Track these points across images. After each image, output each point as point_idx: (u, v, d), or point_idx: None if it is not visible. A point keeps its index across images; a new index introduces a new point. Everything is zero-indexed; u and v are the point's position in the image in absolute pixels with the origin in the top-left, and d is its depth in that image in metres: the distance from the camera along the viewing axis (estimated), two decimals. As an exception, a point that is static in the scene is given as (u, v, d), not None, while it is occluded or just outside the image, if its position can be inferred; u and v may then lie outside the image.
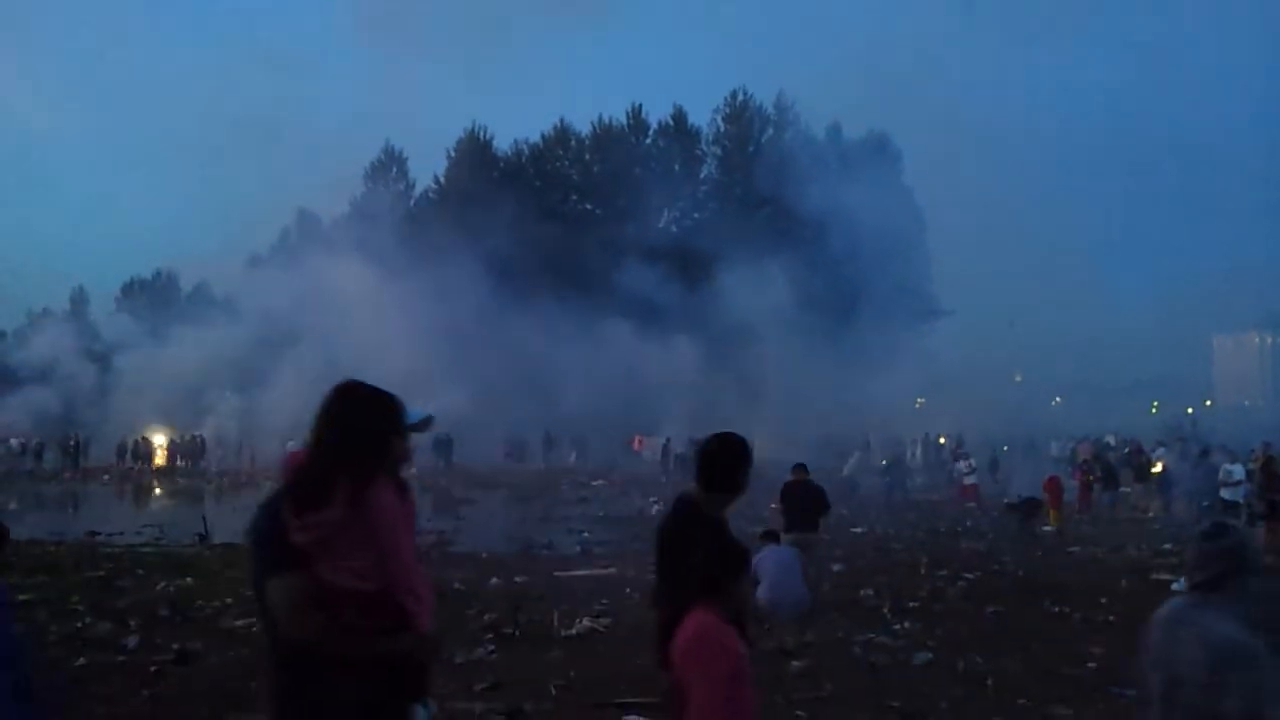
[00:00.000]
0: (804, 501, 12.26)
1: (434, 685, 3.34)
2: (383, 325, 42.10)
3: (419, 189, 64.36)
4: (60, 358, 51.31)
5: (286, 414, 43.91)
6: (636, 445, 44.88)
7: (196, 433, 45.72)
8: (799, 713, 7.52)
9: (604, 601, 12.02)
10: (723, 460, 4.17)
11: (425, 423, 3.49)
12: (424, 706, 3.22)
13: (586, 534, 19.91)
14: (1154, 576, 14.10)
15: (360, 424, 3.18)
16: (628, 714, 7.32)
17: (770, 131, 61.32)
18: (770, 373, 44.44)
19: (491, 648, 9.57)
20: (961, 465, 28.66)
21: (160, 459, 45.91)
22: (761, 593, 9.56)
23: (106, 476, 39.18)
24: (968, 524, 22.10)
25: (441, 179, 62.90)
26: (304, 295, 44.00)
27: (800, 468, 12.88)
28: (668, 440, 40.55)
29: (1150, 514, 24.09)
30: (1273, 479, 17.42)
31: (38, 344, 53.54)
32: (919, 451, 41.36)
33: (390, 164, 64.27)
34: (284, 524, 3.03)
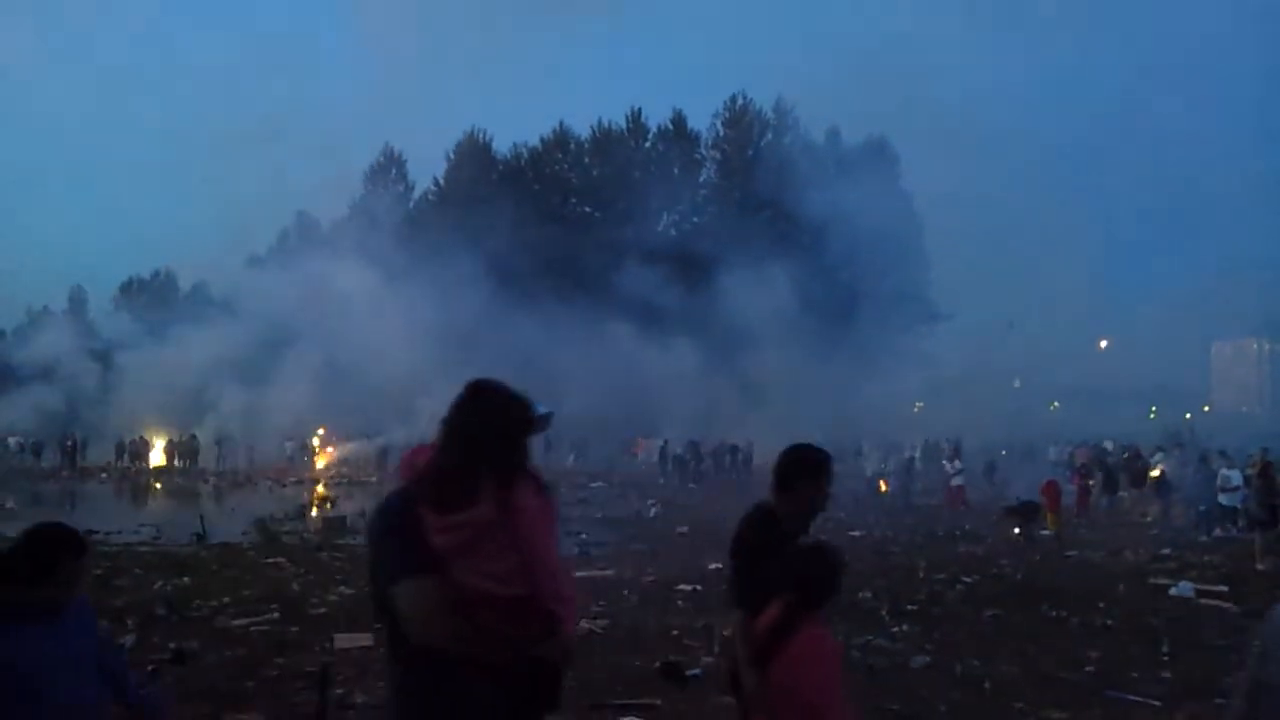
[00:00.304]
0: None
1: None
2: (382, 327, 42.14)
3: (418, 191, 64.51)
4: (62, 356, 51.31)
5: (286, 414, 44.04)
6: (638, 448, 44.86)
7: (194, 433, 45.68)
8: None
9: (601, 603, 12.02)
10: (799, 470, 4.25)
11: (546, 419, 3.37)
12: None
13: (585, 535, 19.88)
14: (1152, 581, 14.11)
15: (500, 422, 3.08)
16: (624, 715, 7.32)
17: (769, 136, 61.37)
18: (769, 376, 44.46)
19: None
20: (949, 468, 28.59)
21: (158, 459, 45.90)
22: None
23: (104, 475, 39.16)
24: (966, 527, 22.10)
25: (441, 181, 62.94)
26: (304, 296, 44.06)
27: None
28: (665, 443, 40.56)
29: (1148, 519, 24.08)
30: (1270, 485, 17.40)
31: (39, 343, 53.53)
32: (918, 455, 41.31)
33: (389, 166, 64.33)
34: (415, 524, 2.92)
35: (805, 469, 4.24)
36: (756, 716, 3.77)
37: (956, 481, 27.62)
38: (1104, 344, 74.43)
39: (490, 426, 3.05)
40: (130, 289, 71.44)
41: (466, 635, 2.88)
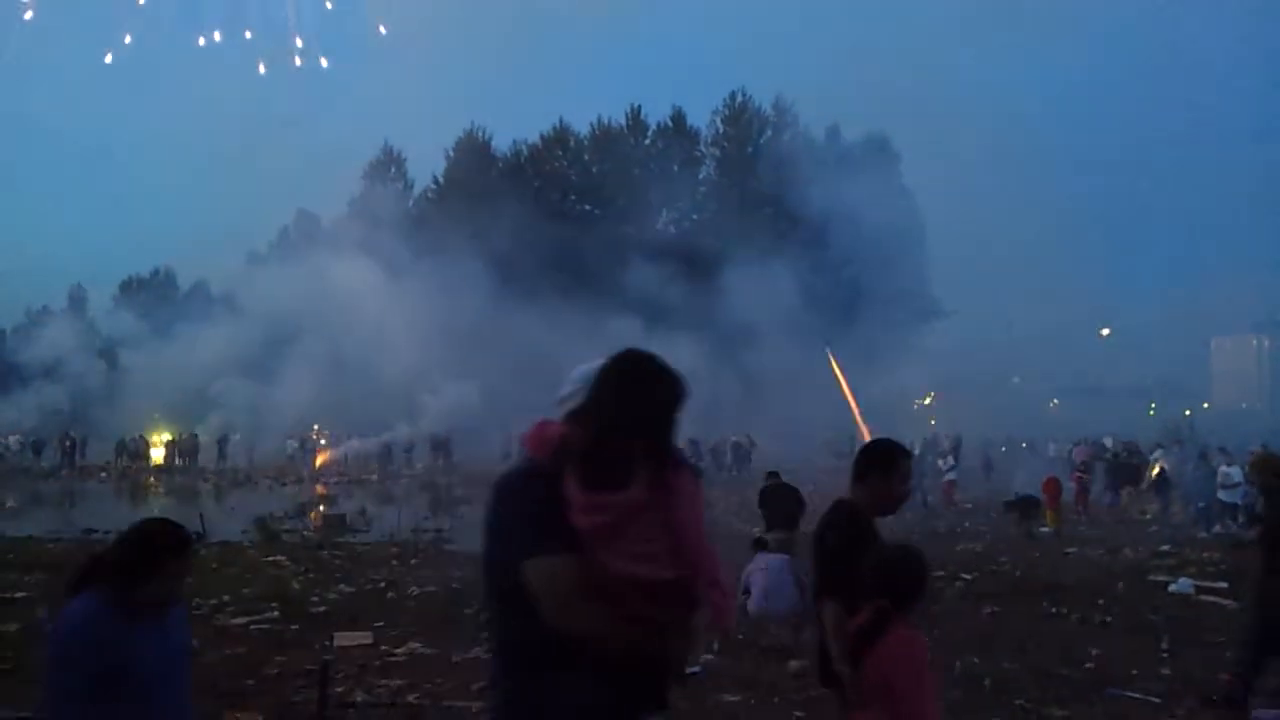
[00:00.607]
0: (781, 503, 12.69)
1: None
2: (383, 324, 42.17)
3: (418, 189, 64.48)
4: (64, 355, 51.30)
5: (289, 412, 44.07)
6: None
7: (195, 431, 45.71)
8: (797, 713, 7.53)
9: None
10: (870, 464, 4.32)
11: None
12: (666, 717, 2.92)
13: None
14: (1151, 578, 14.12)
15: (657, 398, 2.87)
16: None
17: (769, 133, 61.36)
18: (770, 373, 44.48)
19: (489, 646, 9.55)
20: (941, 464, 28.57)
21: (158, 457, 45.94)
22: (754, 602, 9.51)
23: (104, 474, 39.16)
24: (965, 525, 22.11)
25: (440, 179, 62.92)
26: (306, 294, 44.03)
27: (773, 474, 13.77)
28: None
29: (1148, 516, 24.11)
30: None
31: (42, 341, 53.50)
32: (917, 452, 41.31)
33: (389, 164, 64.30)
34: (552, 500, 2.72)
35: (876, 462, 4.33)
36: (854, 710, 3.87)
37: (950, 477, 27.61)
38: (1105, 332, 74.42)
39: (647, 402, 2.84)
40: (130, 287, 71.40)
41: (608, 619, 2.70)
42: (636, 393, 2.84)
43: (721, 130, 62.08)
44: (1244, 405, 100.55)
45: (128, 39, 54.56)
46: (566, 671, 2.73)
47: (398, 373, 41.21)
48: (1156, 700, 7.88)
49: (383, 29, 52.74)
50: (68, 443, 43.46)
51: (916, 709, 3.76)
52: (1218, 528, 20.67)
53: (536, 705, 2.79)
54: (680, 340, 44.54)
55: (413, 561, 15.62)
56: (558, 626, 2.69)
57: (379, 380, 41.71)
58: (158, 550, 3.36)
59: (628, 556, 2.68)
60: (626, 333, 44.42)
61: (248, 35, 52.69)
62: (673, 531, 2.74)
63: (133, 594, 3.29)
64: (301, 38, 52.36)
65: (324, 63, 52.93)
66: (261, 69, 51.96)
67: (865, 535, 4.14)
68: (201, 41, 50.90)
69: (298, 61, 52.25)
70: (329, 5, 52.44)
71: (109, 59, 54.76)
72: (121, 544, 3.39)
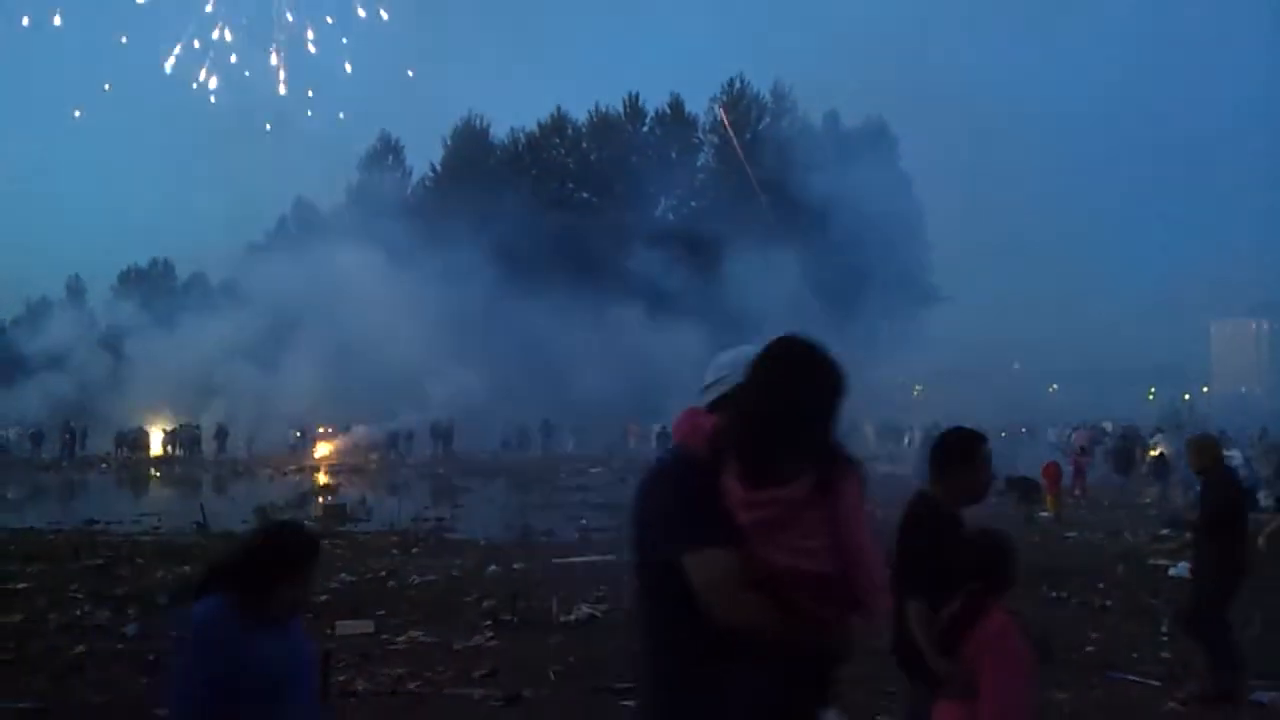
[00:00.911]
0: None
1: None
2: (383, 313, 42.17)
3: (415, 177, 64.39)
4: (67, 346, 51.24)
5: (291, 401, 44.11)
6: (630, 433, 44.86)
7: (196, 422, 45.71)
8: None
9: (603, 588, 12.04)
10: (949, 456, 4.31)
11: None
12: (834, 712, 2.82)
13: (585, 521, 19.92)
14: (1150, 562, 14.14)
15: (825, 389, 2.73)
16: (626, 699, 7.34)
17: (767, 119, 61.25)
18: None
19: (490, 634, 9.60)
20: None
21: (157, 448, 45.99)
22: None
23: (104, 466, 39.19)
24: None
25: (438, 167, 62.84)
26: (306, 282, 44.03)
27: None
28: (662, 428, 40.56)
29: (1147, 500, 24.15)
30: None
31: (44, 333, 53.44)
32: (918, 438, 41.36)
33: (386, 152, 64.21)
34: (712, 491, 2.62)
35: (955, 453, 4.31)
36: (948, 701, 3.84)
37: None
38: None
39: (810, 392, 2.71)
40: (129, 278, 71.31)
41: (772, 613, 2.59)
42: (799, 383, 2.70)
43: (720, 117, 61.97)
44: (1243, 389, 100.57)
45: (124, 39, 54.51)
46: (733, 668, 2.62)
47: (398, 361, 41.24)
48: (1156, 683, 7.91)
49: (384, 14, 52.43)
50: (67, 435, 43.46)
51: (1015, 694, 3.73)
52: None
53: (705, 704, 2.67)
54: (681, 326, 44.64)
55: (414, 550, 15.65)
56: (721, 621, 2.59)
57: (380, 369, 41.73)
58: (289, 555, 3.31)
59: (788, 550, 2.58)
60: (627, 320, 44.52)
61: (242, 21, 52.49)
62: (836, 528, 2.62)
63: (262, 599, 3.22)
64: (297, 24, 52.17)
65: (311, 49, 52.72)
66: (274, 58, 51.69)
67: (950, 530, 4.11)
68: (195, 45, 50.60)
69: (312, 49, 52.10)
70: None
71: (124, 40, 54.64)
72: (251, 548, 3.34)
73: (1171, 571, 13.20)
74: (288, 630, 3.33)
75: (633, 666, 2.88)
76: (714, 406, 2.92)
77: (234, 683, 3.13)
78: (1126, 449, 27.39)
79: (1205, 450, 8.10)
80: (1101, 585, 12.29)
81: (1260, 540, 12.28)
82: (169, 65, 51.74)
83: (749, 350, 2.90)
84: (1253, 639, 8.95)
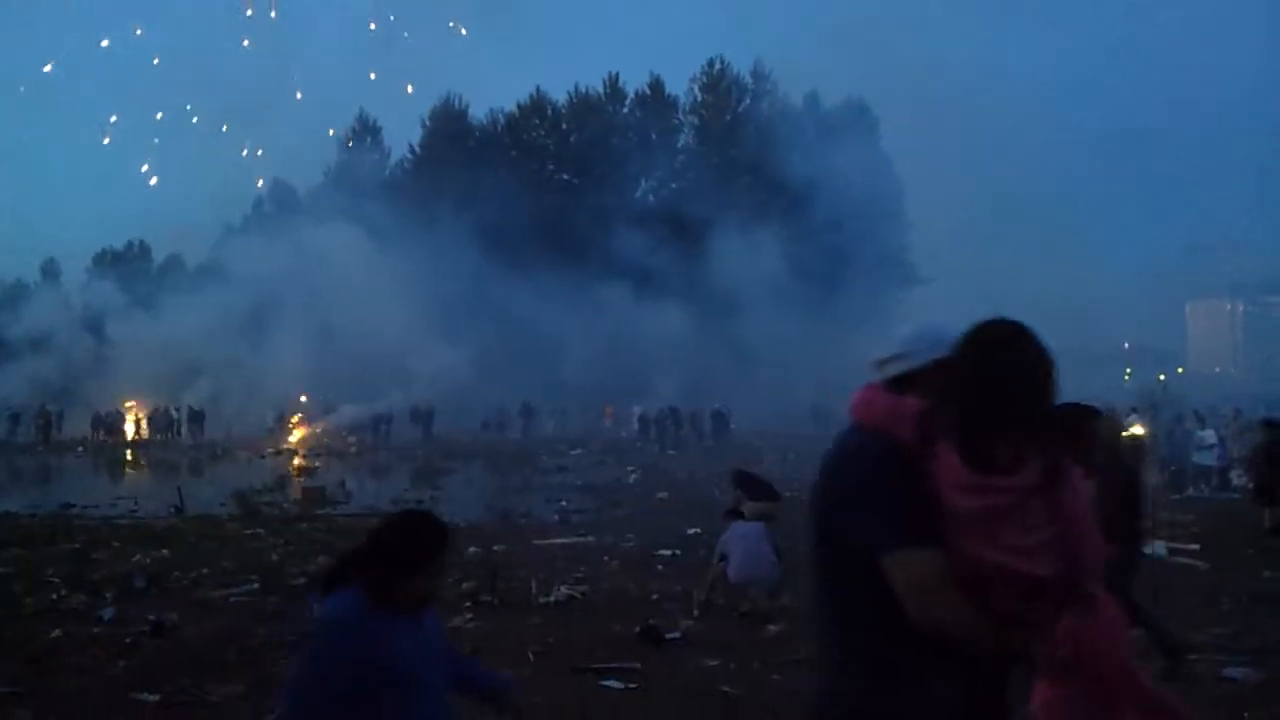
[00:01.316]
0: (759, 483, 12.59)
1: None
2: (366, 294, 42.04)
3: (394, 158, 64.01)
4: (45, 329, 50.65)
5: (272, 384, 43.92)
6: (607, 415, 44.83)
7: (173, 405, 45.42)
8: (775, 676, 7.59)
9: (582, 569, 12.09)
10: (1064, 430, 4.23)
11: None
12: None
13: (565, 503, 19.96)
14: (1125, 541, 14.25)
15: (1040, 373, 2.57)
16: (605, 679, 7.37)
17: (748, 100, 61.13)
18: (751, 342, 44.65)
19: (470, 615, 9.61)
20: None
21: (134, 432, 45.70)
22: (732, 571, 9.54)
23: (80, 449, 38.92)
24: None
25: (417, 148, 62.47)
26: (285, 263, 43.80)
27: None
28: (641, 410, 40.59)
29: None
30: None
31: (22, 315, 52.77)
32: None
33: (364, 133, 63.79)
34: (916, 480, 2.48)
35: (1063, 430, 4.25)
36: (1048, 681, 3.73)
37: None
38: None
39: (1035, 373, 2.56)
40: (104, 260, 70.60)
41: (978, 617, 2.43)
42: (1026, 368, 2.56)
43: (700, 98, 61.78)
44: (1217, 369, 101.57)
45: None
46: (934, 675, 2.48)
47: (381, 342, 41.13)
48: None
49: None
50: (41, 419, 42.98)
51: (1115, 675, 3.53)
52: (1191, 490, 20.92)
53: (899, 711, 2.52)
54: (663, 308, 44.70)
55: (393, 532, 15.61)
56: (924, 624, 2.42)
57: (363, 350, 41.59)
58: (421, 544, 3.19)
59: (1000, 547, 2.42)
60: (609, 299, 44.47)
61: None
62: (1061, 521, 2.46)
63: (395, 590, 3.13)
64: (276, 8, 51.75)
65: (278, 18, 52.19)
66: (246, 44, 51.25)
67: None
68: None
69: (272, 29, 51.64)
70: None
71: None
72: (382, 538, 3.22)
73: (1145, 551, 13.32)
74: (420, 622, 3.24)
75: (816, 646, 2.72)
76: (897, 384, 2.76)
77: (367, 678, 3.04)
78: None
79: (1108, 430, 8.00)
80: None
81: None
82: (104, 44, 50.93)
83: (934, 324, 2.80)
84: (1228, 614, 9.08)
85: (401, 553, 3.16)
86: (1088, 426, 4.19)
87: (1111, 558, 7.46)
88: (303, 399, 44.76)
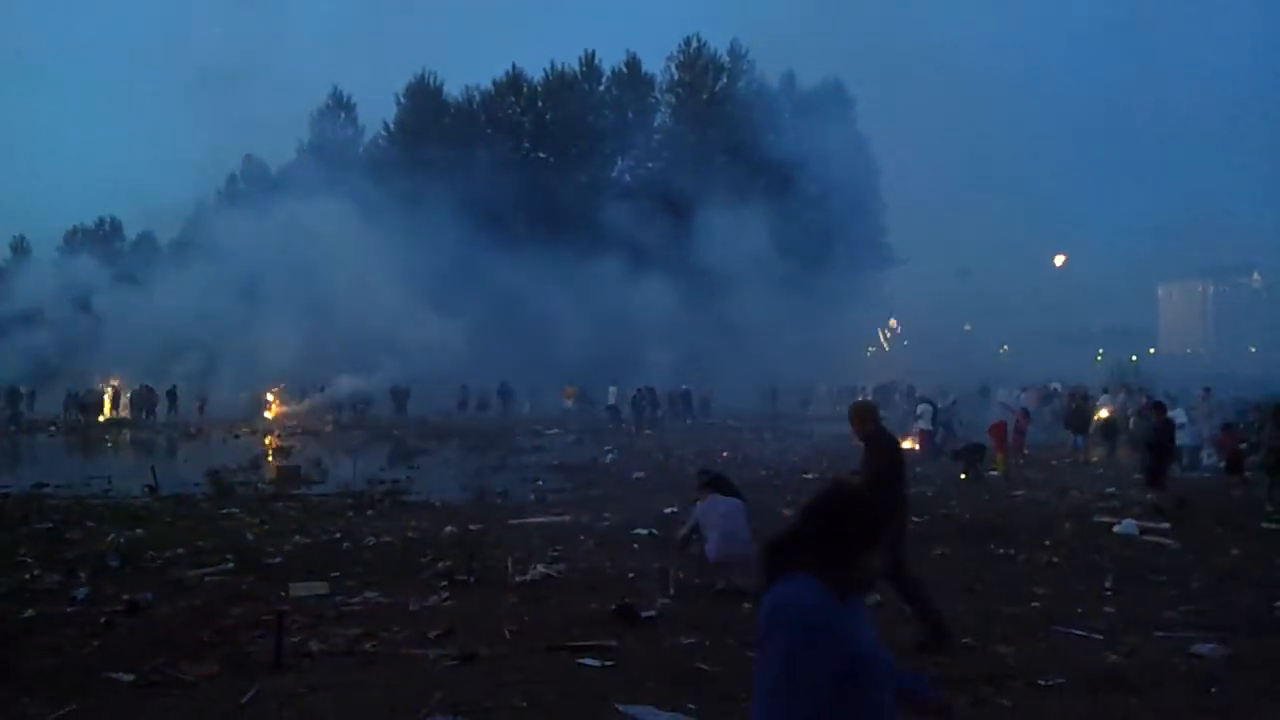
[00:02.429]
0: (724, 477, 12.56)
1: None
2: (348, 271, 41.82)
3: (368, 135, 63.61)
4: (17, 307, 49.88)
5: (251, 362, 43.63)
6: (567, 395, 44.42)
7: (149, 384, 44.95)
8: (750, 652, 7.63)
9: (559, 548, 12.10)
10: None
11: None
12: None
13: (541, 482, 19.96)
14: (1096, 520, 14.43)
15: None
16: (581, 657, 7.40)
17: (725, 80, 61.00)
18: (734, 318, 44.75)
19: (446, 595, 9.61)
20: (918, 409, 28.57)
21: (110, 410, 45.26)
22: (712, 549, 9.50)
23: (52, 429, 38.53)
24: (917, 470, 22.41)
25: (391, 125, 62.07)
26: (270, 240, 43.48)
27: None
28: (617, 389, 40.49)
29: (1095, 460, 24.59)
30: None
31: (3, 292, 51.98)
32: (870, 399, 41.79)
33: (338, 109, 63.34)
34: None
35: None
36: None
37: (922, 425, 27.14)
38: (1060, 260, 74.83)
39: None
40: (74, 238, 69.76)
41: None
42: None
43: (676, 77, 61.61)
44: (1189, 350, 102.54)
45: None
46: None
47: (367, 318, 40.96)
48: (1099, 636, 8.10)
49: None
50: (9, 399, 42.32)
51: None
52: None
53: None
54: (649, 285, 44.68)
55: (369, 513, 15.60)
56: None
57: (346, 327, 41.39)
58: (866, 521, 2.92)
59: None
60: (598, 277, 44.36)
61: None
62: None
63: (853, 571, 2.88)
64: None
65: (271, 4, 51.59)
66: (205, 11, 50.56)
67: None
68: None
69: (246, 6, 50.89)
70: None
71: None
72: (835, 513, 2.92)
73: (1116, 529, 13.49)
74: (862, 609, 2.97)
75: None
76: None
77: (853, 673, 2.77)
78: (1080, 409, 27.81)
79: (864, 415, 8.25)
80: (1048, 542, 12.53)
81: None
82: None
83: None
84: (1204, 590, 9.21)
85: (860, 529, 2.90)
86: None
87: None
88: (280, 384, 44.41)
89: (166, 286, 45.69)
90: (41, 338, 48.02)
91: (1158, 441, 15.84)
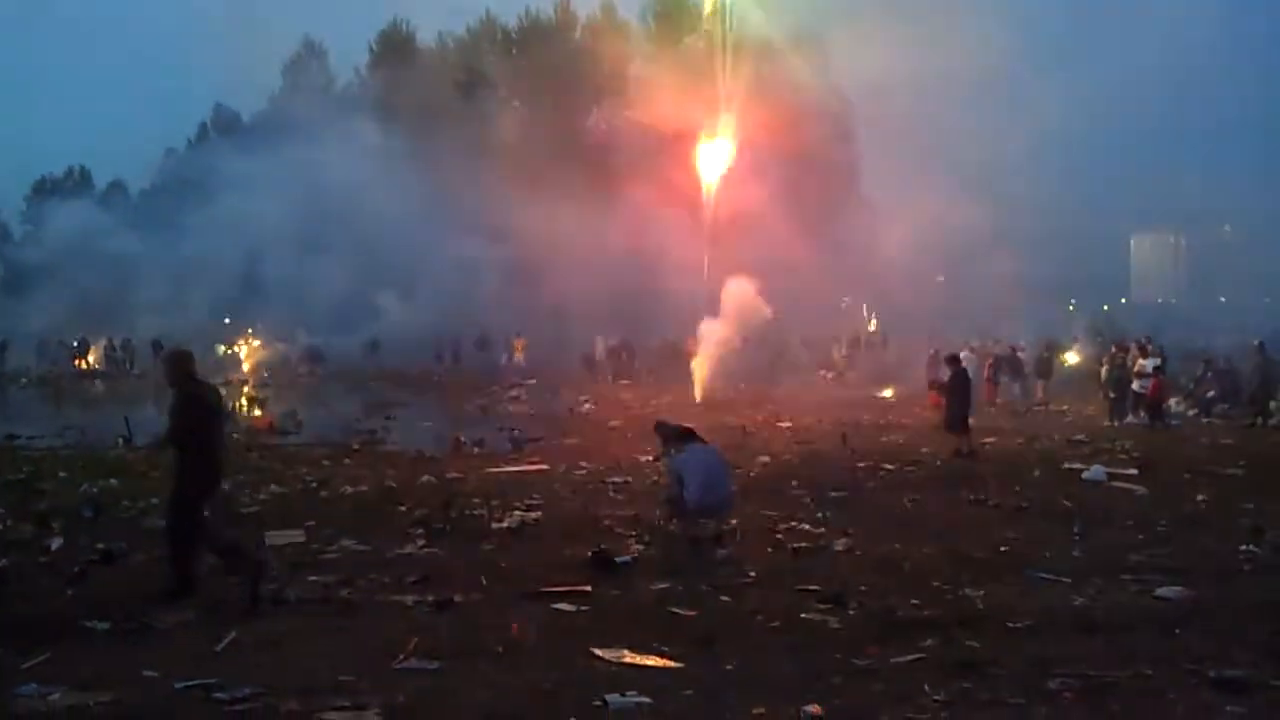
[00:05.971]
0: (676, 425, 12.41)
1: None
2: (312, 223, 41.42)
3: (340, 83, 62.68)
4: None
5: (217, 314, 43.29)
6: (517, 347, 43.73)
7: (123, 335, 44.39)
8: (723, 597, 7.74)
9: (535, 496, 12.16)
10: None
11: None
12: None
13: (518, 431, 19.98)
14: (1065, 466, 14.62)
15: None
16: (557, 603, 7.47)
17: (703, 29, 60.24)
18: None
19: (423, 542, 9.66)
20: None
21: (80, 362, 44.71)
22: (691, 494, 9.46)
23: (23, 381, 38.10)
24: (889, 417, 22.59)
25: (363, 72, 61.21)
26: (230, 188, 42.99)
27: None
28: (602, 339, 40.25)
29: (1065, 409, 24.86)
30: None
31: None
32: (844, 350, 41.96)
33: (309, 58, 62.31)
34: None
35: None
36: None
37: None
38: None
39: None
40: (43, 188, 68.50)
41: None
42: None
43: (653, 26, 60.81)
44: (1160, 300, 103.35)
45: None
46: None
47: (333, 273, 40.68)
48: (1068, 580, 8.24)
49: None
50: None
51: None
52: (1130, 418, 21.35)
53: None
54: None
55: (346, 461, 15.59)
56: None
57: (313, 281, 41.07)
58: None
59: None
60: (557, 230, 43.99)
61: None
62: None
63: None
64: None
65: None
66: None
67: None
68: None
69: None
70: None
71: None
72: None
73: (1085, 475, 13.68)
74: None
75: None
76: None
77: None
78: (1047, 359, 28.27)
79: (176, 364, 8.00)
80: (1018, 488, 12.69)
81: None
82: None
83: None
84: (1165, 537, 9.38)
85: None
86: None
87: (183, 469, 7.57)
88: (251, 332, 43.95)
89: (143, 238, 45.07)
90: (13, 289, 47.38)
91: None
